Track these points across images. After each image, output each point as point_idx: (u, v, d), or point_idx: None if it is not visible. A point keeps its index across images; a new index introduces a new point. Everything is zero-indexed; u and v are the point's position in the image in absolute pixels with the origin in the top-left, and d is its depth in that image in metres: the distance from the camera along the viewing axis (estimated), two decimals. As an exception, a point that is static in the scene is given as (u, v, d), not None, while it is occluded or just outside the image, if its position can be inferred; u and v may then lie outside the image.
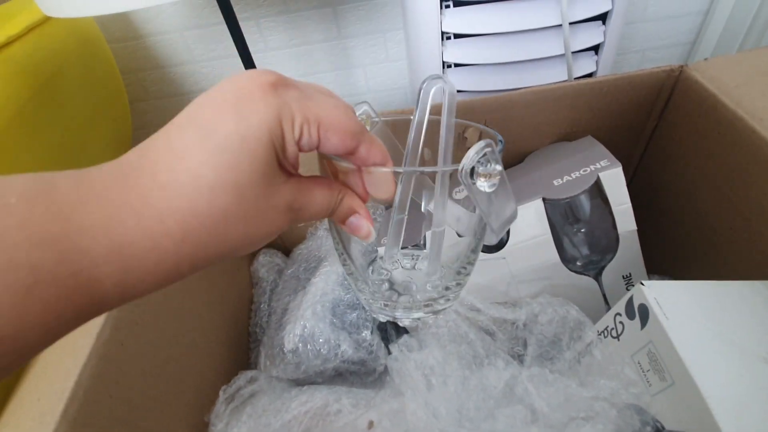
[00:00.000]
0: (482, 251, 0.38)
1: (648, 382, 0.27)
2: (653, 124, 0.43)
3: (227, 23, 0.47)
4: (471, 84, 0.48)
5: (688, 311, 0.27)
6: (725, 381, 0.24)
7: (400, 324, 0.40)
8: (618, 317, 0.31)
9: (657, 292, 0.28)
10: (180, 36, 0.68)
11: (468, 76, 0.47)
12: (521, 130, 0.42)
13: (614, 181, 0.35)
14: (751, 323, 0.27)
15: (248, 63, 0.50)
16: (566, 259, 0.37)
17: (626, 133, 0.44)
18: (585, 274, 0.38)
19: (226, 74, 0.63)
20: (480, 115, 0.40)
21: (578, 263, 0.38)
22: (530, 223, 0.37)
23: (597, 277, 0.39)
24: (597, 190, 0.36)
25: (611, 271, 0.38)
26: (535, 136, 0.43)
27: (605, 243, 0.37)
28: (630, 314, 0.29)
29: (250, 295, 0.48)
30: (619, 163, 0.35)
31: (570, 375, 0.33)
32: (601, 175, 0.35)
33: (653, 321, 0.27)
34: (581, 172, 0.36)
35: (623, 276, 0.38)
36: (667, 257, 0.44)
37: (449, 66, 0.48)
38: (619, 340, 0.30)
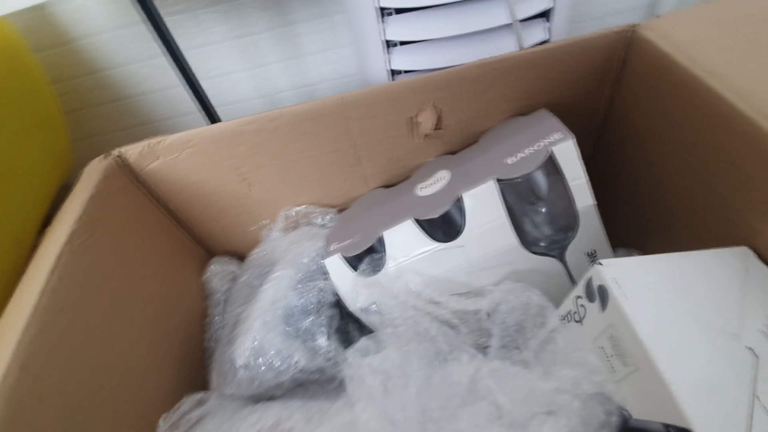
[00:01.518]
0: (438, 240, 0.36)
1: (612, 367, 0.25)
2: (610, 91, 0.41)
3: (148, 19, 0.43)
4: (418, 62, 0.45)
5: (650, 289, 0.25)
6: (690, 364, 0.22)
7: (363, 320, 0.38)
8: (579, 300, 0.29)
9: (616, 271, 0.26)
10: (113, 36, 0.63)
11: (415, 54, 0.44)
12: (473, 108, 0.39)
13: (568, 155, 0.33)
14: (717, 295, 0.25)
15: (177, 61, 0.46)
16: (527, 242, 0.35)
17: (584, 103, 0.42)
18: (548, 255, 0.36)
19: (169, 73, 0.59)
20: (427, 94, 0.37)
21: (541, 244, 0.36)
22: (485, 206, 0.34)
23: (561, 257, 0.36)
24: (552, 166, 0.33)
25: (575, 250, 0.36)
26: (489, 114, 0.40)
27: (565, 221, 0.35)
28: (590, 296, 0.27)
29: (204, 308, 0.45)
30: (572, 135, 0.33)
31: (536, 364, 0.31)
32: (554, 149, 0.33)
33: (613, 303, 0.25)
34: (534, 147, 0.34)
35: (587, 253, 0.36)
36: (634, 229, 0.43)
37: (394, 45, 0.45)
38: (582, 324, 0.28)
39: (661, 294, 0.25)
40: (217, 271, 0.46)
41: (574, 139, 0.33)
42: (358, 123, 0.38)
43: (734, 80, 0.28)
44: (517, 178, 0.34)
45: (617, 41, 0.37)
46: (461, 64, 0.36)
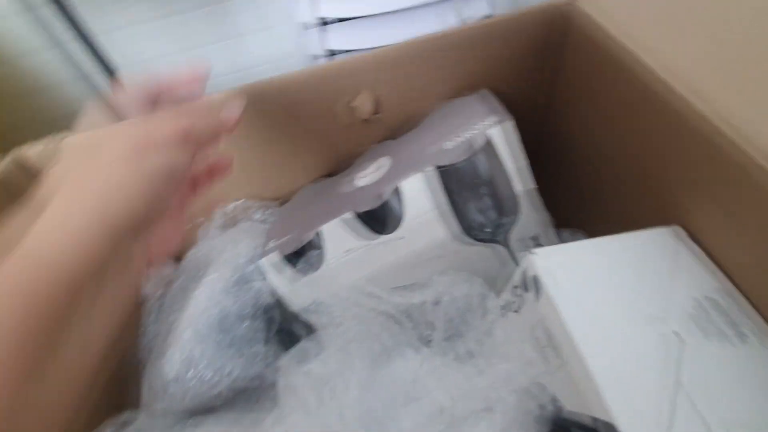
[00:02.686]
0: (378, 233, 0.34)
1: (547, 358, 0.25)
2: (553, 68, 0.39)
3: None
4: (354, 41, 0.42)
5: (581, 277, 0.25)
6: (616, 355, 0.21)
7: (305, 320, 0.36)
8: (516, 290, 0.28)
9: (548, 260, 0.25)
10: (19, 22, 0.57)
11: (350, 32, 0.41)
12: (412, 89, 0.37)
13: (506, 138, 0.31)
14: (647, 278, 0.25)
15: (89, 48, 0.42)
16: (471, 229, 0.34)
17: (527, 82, 0.40)
18: (493, 242, 0.35)
19: (81, 59, 0.53)
20: (361, 76, 0.35)
21: (486, 230, 0.35)
22: (424, 194, 0.33)
23: (506, 242, 0.36)
24: (491, 150, 0.32)
25: (518, 235, 0.35)
26: (430, 95, 0.38)
27: (507, 205, 0.34)
28: (525, 286, 0.26)
29: (138, 317, 0.42)
30: (510, 118, 0.31)
31: (479, 355, 0.30)
32: (492, 132, 0.31)
33: (545, 294, 0.24)
34: (473, 131, 0.32)
35: (531, 238, 0.36)
36: (578, 210, 0.42)
37: (328, 23, 0.42)
38: (519, 314, 0.28)
39: (591, 282, 0.24)
40: (150, 275, 0.42)
41: (513, 122, 0.31)
42: (292, 108, 0.35)
43: (667, 56, 0.27)
44: (456, 163, 0.32)
45: (556, 15, 0.35)
46: (395, 44, 0.34)
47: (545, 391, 0.25)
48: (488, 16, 0.46)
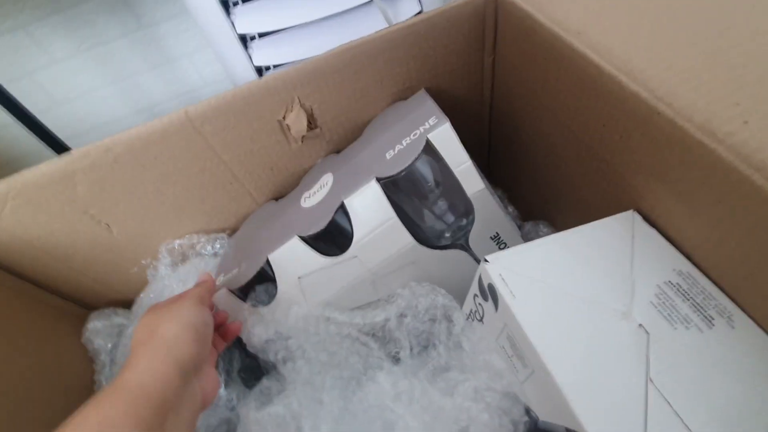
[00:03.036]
0: (329, 255, 0.32)
1: (515, 367, 0.23)
2: (490, 59, 0.38)
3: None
4: (282, 55, 0.40)
5: (538, 279, 0.23)
6: (582, 360, 0.20)
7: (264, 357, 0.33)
8: (476, 299, 0.26)
9: (503, 267, 0.24)
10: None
11: (276, 47, 0.39)
12: (345, 100, 0.36)
13: (446, 140, 0.30)
14: (607, 270, 0.24)
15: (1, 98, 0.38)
16: (426, 237, 0.33)
17: (467, 78, 0.39)
18: (452, 247, 0.34)
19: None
20: (288, 93, 0.33)
21: (446, 235, 0.34)
22: (371, 209, 0.31)
23: (465, 246, 0.34)
24: (433, 154, 0.30)
25: (477, 237, 0.34)
26: (366, 103, 0.37)
27: (460, 208, 0.33)
28: (483, 295, 0.25)
29: (91, 374, 0.38)
30: (446, 119, 0.30)
31: (450, 368, 0.29)
32: (430, 136, 0.30)
33: (502, 302, 0.23)
34: (411, 137, 0.31)
35: (491, 237, 0.34)
36: (538, 200, 0.42)
37: (252, 38, 0.40)
38: (483, 323, 0.26)
39: (549, 283, 0.23)
40: (98, 328, 0.39)
41: (449, 123, 0.30)
42: (217, 137, 0.33)
43: (594, 37, 0.26)
44: (399, 172, 0.31)
45: (484, 6, 0.34)
46: (318, 55, 0.32)
47: (518, 403, 0.24)
48: (419, 14, 0.45)
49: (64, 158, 0.31)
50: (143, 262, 0.40)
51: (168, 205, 0.36)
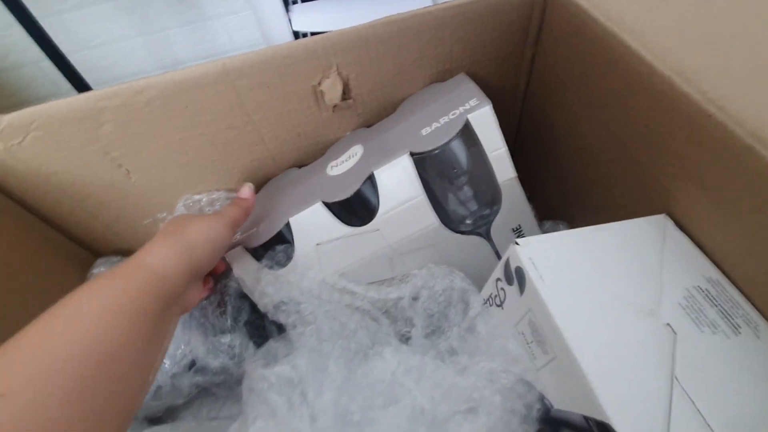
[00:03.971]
0: (351, 225, 0.32)
1: (533, 354, 0.23)
2: (531, 52, 0.38)
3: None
4: (322, 22, 0.39)
5: (568, 268, 0.23)
6: (608, 351, 0.20)
7: (273, 318, 0.33)
8: (499, 283, 0.26)
9: (533, 251, 0.23)
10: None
11: (317, 13, 0.39)
12: (384, 74, 0.35)
13: (485, 123, 0.30)
14: (635, 269, 0.24)
15: (32, 30, 0.37)
16: (450, 220, 0.32)
17: (505, 67, 0.39)
18: (473, 234, 0.34)
19: (28, 46, 0.48)
20: (327, 58, 0.32)
21: (467, 221, 0.33)
22: (400, 184, 0.31)
23: (487, 234, 0.34)
24: (469, 135, 0.30)
25: (499, 226, 0.33)
26: (403, 80, 0.36)
27: (488, 196, 0.32)
28: (509, 279, 0.25)
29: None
30: (489, 101, 0.30)
31: (461, 352, 0.29)
32: (469, 117, 0.29)
33: (530, 286, 0.23)
34: (450, 116, 0.31)
35: (513, 229, 0.34)
36: (560, 198, 0.42)
37: (294, 2, 0.39)
38: (502, 308, 0.26)
39: (579, 273, 0.23)
40: (104, 262, 0.39)
41: (491, 105, 0.30)
42: (251, 94, 0.32)
43: (648, 36, 0.26)
44: (433, 150, 0.30)
45: (534, -3, 0.34)
46: (364, 24, 0.32)
47: (532, 390, 0.23)
48: None
49: (94, 95, 0.30)
50: (159, 215, 0.39)
51: (191, 157, 0.36)
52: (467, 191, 0.33)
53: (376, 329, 0.32)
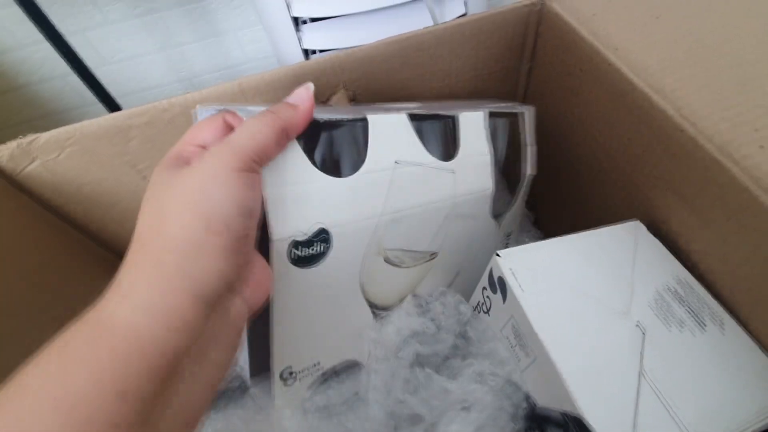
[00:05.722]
0: (432, 153, 0.27)
1: (517, 357, 0.25)
2: (527, 66, 0.40)
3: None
4: (331, 40, 0.42)
5: (545, 276, 0.25)
6: (581, 350, 0.22)
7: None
8: (485, 291, 0.28)
9: (513, 262, 0.26)
10: (-7, 16, 0.55)
11: (326, 32, 0.41)
12: (388, 90, 0.37)
13: (530, 120, 0.33)
14: (609, 273, 0.25)
15: (60, 46, 0.41)
16: (494, 198, 0.31)
17: (504, 82, 0.41)
18: (494, 219, 0.34)
19: (56, 60, 0.52)
20: (336, 76, 0.35)
21: (496, 204, 0.32)
22: (477, 132, 0.29)
23: (498, 223, 0.35)
24: (518, 124, 0.33)
25: (507, 222, 0.35)
26: (406, 96, 0.38)
27: (514, 186, 0.34)
28: (492, 288, 0.27)
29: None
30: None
31: (453, 356, 0.30)
32: (522, 109, 0.33)
33: (510, 294, 0.25)
34: (502, 105, 0.33)
35: (506, 234, 0.36)
36: (554, 210, 0.43)
37: (304, 22, 0.42)
38: (489, 315, 0.28)
39: (556, 280, 0.25)
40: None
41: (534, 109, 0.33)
42: (263, 110, 0.35)
43: (631, 54, 0.28)
44: (502, 113, 0.32)
45: (528, 15, 0.35)
46: (370, 43, 0.34)
47: (519, 390, 0.25)
48: (463, 16, 0.47)
49: (123, 114, 0.33)
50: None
51: (208, 168, 0.39)
52: (503, 172, 0.33)
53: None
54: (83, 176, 0.36)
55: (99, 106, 0.68)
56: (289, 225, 0.22)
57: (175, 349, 0.14)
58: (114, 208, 0.39)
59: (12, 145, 0.33)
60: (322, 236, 0.23)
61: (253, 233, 0.18)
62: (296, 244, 0.22)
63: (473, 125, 0.29)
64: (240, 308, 0.17)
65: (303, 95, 0.22)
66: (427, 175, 0.26)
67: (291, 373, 0.26)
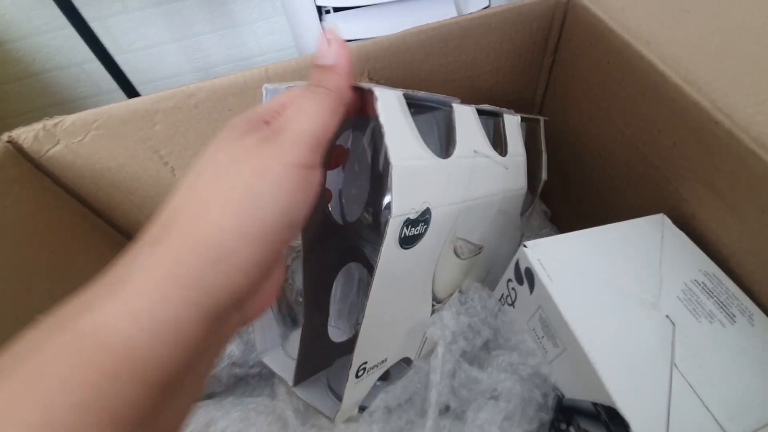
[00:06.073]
0: (494, 145, 0.27)
1: (544, 348, 0.25)
2: (550, 60, 0.40)
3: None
4: (354, 30, 0.42)
5: (573, 267, 0.25)
6: (613, 341, 0.22)
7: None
8: (510, 283, 0.28)
9: (541, 253, 0.25)
10: (12, 4, 0.56)
11: (350, 22, 0.41)
12: (412, 79, 0.37)
13: (543, 130, 0.34)
14: (637, 265, 0.25)
15: (84, 32, 0.41)
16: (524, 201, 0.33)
17: (525, 75, 0.41)
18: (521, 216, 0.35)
19: (81, 44, 0.52)
20: (361, 65, 0.35)
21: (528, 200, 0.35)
22: (515, 139, 0.31)
23: (522, 222, 0.36)
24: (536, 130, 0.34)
25: (523, 223, 0.35)
26: (430, 86, 0.38)
27: (534, 187, 0.35)
28: (519, 279, 0.27)
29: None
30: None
31: (483, 349, 0.30)
32: (539, 117, 0.34)
33: (539, 285, 0.25)
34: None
35: (521, 234, 0.36)
36: (576, 204, 0.43)
37: (327, 11, 0.42)
38: (514, 307, 0.28)
39: (584, 271, 0.25)
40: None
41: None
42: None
43: (662, 47, 0.28)
44: (526, 119, 0.33)
45: (554, 8, 0.35)
46: (394, 33, 0.34)
47: (546, 381, 0.25)
48: (486, 8, 0.46)
49: (150, 98, 0.33)
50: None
51: (229, 156, 0.39)
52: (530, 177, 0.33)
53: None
54: (106, 160, 0.36)
55: (114, 96, 0.69)
56: (406, 201, 0.20)
57: (175, 370, 0.12)
58: (135, 194, 0.39)
59: (37, 126, 0.33)
60: (426, 216, 0.21)
61: (287, 244, 0.16)
62: (408, 222, 0.20)
63: (513, 126, 0.30)
64: (235, 323, 0.15)
65: (337, 51, 0.18)
66: (493, 169, 0.26)
67: (364, 369, 0.25)
